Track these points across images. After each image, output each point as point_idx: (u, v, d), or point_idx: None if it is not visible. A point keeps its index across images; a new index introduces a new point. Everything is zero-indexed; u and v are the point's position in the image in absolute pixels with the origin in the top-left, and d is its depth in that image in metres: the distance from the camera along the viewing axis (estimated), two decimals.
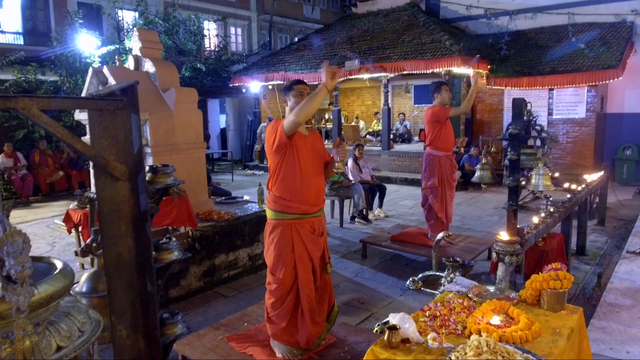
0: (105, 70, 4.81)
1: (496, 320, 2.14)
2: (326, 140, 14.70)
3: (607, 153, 11.18)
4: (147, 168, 1.50)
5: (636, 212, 7.15)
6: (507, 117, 11.28)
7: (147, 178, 1.47)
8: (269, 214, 3.05)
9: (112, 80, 4.71)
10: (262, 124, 13.92)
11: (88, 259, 4.74)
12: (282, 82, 12.11)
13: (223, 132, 17.20)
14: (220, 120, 17.45)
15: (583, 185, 5.43)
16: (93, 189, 5.14)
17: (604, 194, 6.98)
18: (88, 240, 2.82)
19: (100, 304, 2.32)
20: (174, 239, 1.51)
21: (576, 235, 5.64)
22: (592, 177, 5.94)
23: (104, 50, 11.81)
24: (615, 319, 3.89)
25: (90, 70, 4.96)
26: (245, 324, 3.52)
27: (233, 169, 13.37)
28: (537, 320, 2.16)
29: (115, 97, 1.41)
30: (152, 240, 1.35)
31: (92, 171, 4.71)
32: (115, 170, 1.37)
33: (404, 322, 2.06)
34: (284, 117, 3.04)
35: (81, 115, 5.00)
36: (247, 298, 4.45)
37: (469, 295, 2.52)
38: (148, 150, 4.61)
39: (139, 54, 5.13)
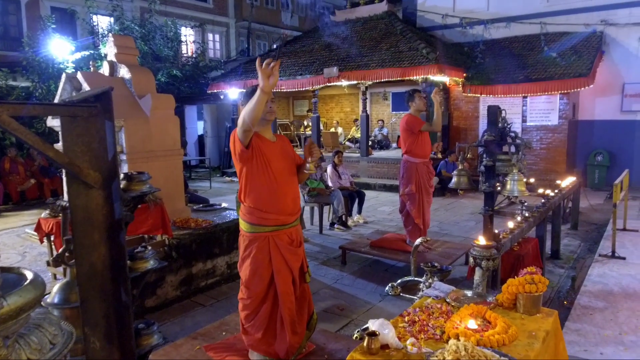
0: (79, 76, 4.72)
1: (474, 324, 2.16)
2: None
3: (579, 159, 11.50)
4: (122, 175, 1.47)
5: (607, 216, 7.35)
6: (483, 124, 11.50)
7: (121, 186, 1.44)
8: (244, 226, 2.94)
9: (86, 86, 4.63)
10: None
11: (60, 269, 4.61)
12: None
13: (201, 138, 17.05)
14: (198, 127, 17.30)
15: (556, 191, 5.56)
16: (65, 197, 5.01)
17: (576, 199, 7.17)
18: (60, 250, 2.75)
19: (73, 315, 2.26)
20: (149, 248, 1.48)
21: (550, 239, 5.76)
22: (565, 182, 6.09)
23: (78, 55, 11.60)
24: (589, 321, 3.97)
25: (64, 76, 4.85)
26: (224, 333, 3.47)
27: (211, 176, 13.25)
28: (513, 324, 2.19)
29: (89, 104, 1.38)
30: (126, 249, 1.32)
31: (64, 179, 4.61)
32: (89, 177, 1.34)
33: (383, 328, 2.07)
34: None
35: (54, 122, 4.89)
36: (226, 307, 4.40)
37: (447, 300, 2.54)
38: (123, 157, 4.53)
39: (114, 59, 5.05)
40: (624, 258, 5.54)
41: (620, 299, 4.39)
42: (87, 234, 1.37)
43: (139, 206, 2.42)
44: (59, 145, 4.01)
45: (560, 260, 5.74)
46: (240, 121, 2.68)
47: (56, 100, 5.16)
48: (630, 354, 3.40)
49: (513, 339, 2.08)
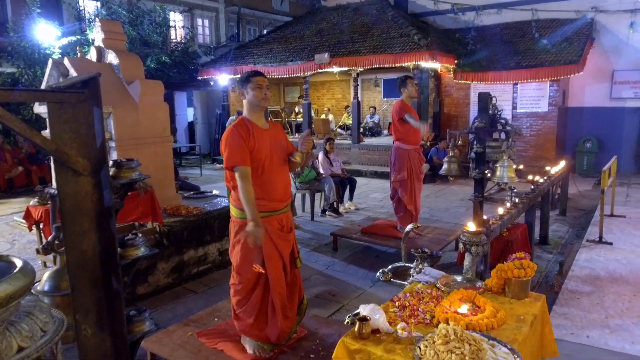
0: (66, 61, 4.64)
1: (463, 309, 2.19)
2: (296, 134, 14.66)
3: (568, 146, 11.60)
4: (110, 162, 1.46)
5: (595, 202, 7.45)
6: (474, 110, 11.54)
7: (111, 173, 1.43)
8: (234, 212, 2.95)
9: (73, 72, 4.56)
10: (231, 117, 13.76)
11: (50, 257, 4.59)
12: None
13: (191, 125, 16.91)
14: (188, 114, 17.14)
15: (545, 177, 5.61)
16: (54, 184, 4.97)
17: (565, 185, 7.24)
18: (50, 238, 2.73)
19: (64, 303, 2.25)
20: (140, 235, 1.47)
21: (539, 225, 5.83)
22: (554, 169, 6.14)
23: (65, 41, 11.38)
24: (576, 305, 4.05)
25: (50, 61, 4.77)
26: (216, 319, 3.49)
27: (201, 163, 13.18)
28: (502, 308, 2.22)
29: (77, 90, 1.36)
30: (117, 237, 1.32)
31: (52, 166, 4.55)
32: (77, 165, 1.33)
33: (374, 313, 2.09)
34: (239, 113, 2.98)
35: (41, 109, 4.82)
36: (218, 293, 4.41)
37: (437, 285, 2.57)
38: (112, 144, 4.48)
39: (101, 45, 4.97)
40: (611, 243, 5.63)
41: (606, 284, 4.47)
42: (77, 222, 1.36)
43: (129, 193, 2.41)
44: (46, 132, 3.95)
45: (549, 246, 5.82)
46: (240, 194, 2.75)
47: (43, 87, 5.08)
48: (615, 337, 3.48)
49: (501, 323, 2.12)
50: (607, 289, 4.35)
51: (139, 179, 1.43)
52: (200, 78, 14.12)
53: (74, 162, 1.34)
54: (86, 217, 1.36)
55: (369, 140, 12.91)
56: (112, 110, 4.43)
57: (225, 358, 2.95)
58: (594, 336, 3.51)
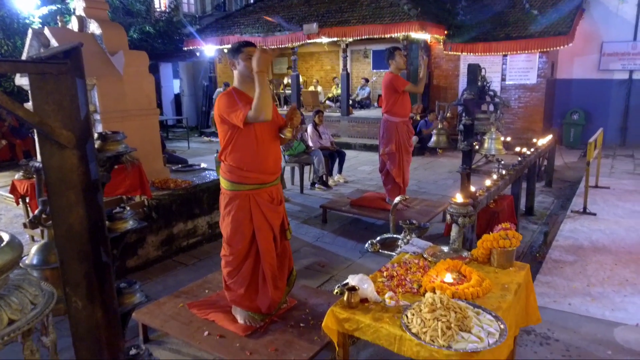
0: (47, 31, 4.50)
1: (449, 278, 2.24)
2: (285, 107, 14.53)
3: (556, 118, 11.67)
4: (96, 135, 1.44)
5: (581, 174, 7.56)
6: (463, 82, 11.50)
7: (96, 146, 1.41)
8: (224, 184, 2.96)
9: (54, 43, 4.43)
10: (218, 89, 13.56)
11: (38, 230, 4.56)
12: None
13: (177, 97, 16.63)
14: (174, 86, 16.83)
15: (532, 149, 5.66)
16: (39, 158, 4.90)
17: (551, 157, 7.32)
18: (36, 212, 2.71)
19: (53, 276, 2.26)
20: (128, 208, 1.47)
21: (525, 196, 5.91)
22: (541, 141, 6.19)
23: (45, 10, 11.00)
24: (559, 274, 4.16)
25: (30, 31, 4.62)
26: (207, 291, 3.53)
27: (189, 136, 13.02)
28: (487, 277, 2.27)
29: (58, 60, 1.32)
30: (104, 210, 1.31)
31: (37, 139, 4.48)
32: (61, 137, 1.31)
33: (362, 283, 2.13)
34: (227, 85, 2.95)
35: (22, 80, 4.70)
36: (208, 265, 4.44)
37: (424, 256, 2.62)
38: (97, 117, 4.41)
39: (83, 14, 4.82)
40: (594, 214, 5.75)
41: (589, 253, 4.58)
42: (63, 195, 1.34)
43: (116, 167, 2.38)
44: (29, 105, 3.87)
45: (534, 217, 5.92)
46: (256, 112, 2.66)
47: (23, 57, 4.93)
48: (596, 305, 3.59)
49: (487, 291, 2.17)
50: (589, 258, 4.46)
51: (125, 151, 1.42)
52: (185, 49, 13.82)
53: (58, 135, 1.31)
54: (73, 190, 1.34)
55: (358, 113, 12.85)
56: (96, 82, 4.33)
57: (216, 328, 3.00)
58: (576, 304, 3.62)
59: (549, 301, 3.65)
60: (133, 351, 1.45)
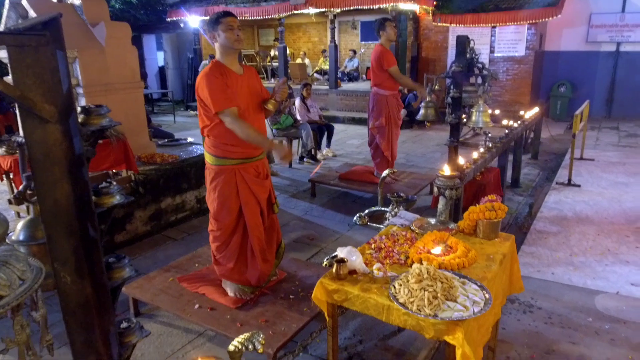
0: (25, 2, 4.34)
1: (436, 249, 2.28)
2: (272, 79, 14.34)
3: (543, 90, 11.70)
4: (79, 109, 1.41)
5: (566, 146, 7.65)
6: (451, 54, 11.41)
7: (79, 120, 1.39)
8: (209, 159, 2.92)
9: (32, 13, 4.28)
10: (204, 62, 13.30)
11: (23, 206, 4.51)
12: None
13: (162, 70, 16.29)
14: (158, 58, 16.47)
15: (519, 122, 5.69)
16: (21, 133, 4.81)
17: (538, 129, 7.38)
18: (21, 187, 2.67)
19: (41, 252, 2.25)
20: (114, 183, 1.45)
21: (511, 168, 5.98)
22: (528, 113, 6.22)
23: None
24: (543, 244, 4.25)
25: (7, 2, 4.46)
26: (196, 265, 3.55)
27: (174, 109, 12.83)
28: (473, 248, 2.31)
29: (37, 32, 1.28)
30: (90, 185, 1.30)
31: (18, 114, 4.37)
32: (44, 111, 1.28)
33: (351, 255, 2.15)
34: (212, 57, 2.90)
35: (1, 53, 4.56)
36: (197, 240, 4.46)
37: (412, 228, 2.65)
38: (80, 90, 4.31)
39: None
40: (579, 185, 5.85)
41: (573, 224, 4.68)
42: (48, 170, 1.32)
43: (100, 141, 2.34)
44: (9, 79, 3.77)
45: (520, 189, 6.01)
46: (238, 130, 2.74)
47: (0, 29, 4.77)
48: (578, 274, 3.69)
49: (472, 262, 2.21)
50: (573, 229, 4.56)
51: (110, 125, 1.39)
52: (169, 20, 13.47)
53: (40, 109, 1.28)
54: (57, 165, 1.32)
55: (346, 86, 12.74)
56: (77, 55, 4.22)
57: (207, 301, 3.03)
58: (559, 273, 3.72)
59: (533, 271, 3.74)
60: (124, 324, 1.46)
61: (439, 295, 1.84)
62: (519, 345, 2.81)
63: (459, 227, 2.61)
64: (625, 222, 4.68)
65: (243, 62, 2.99)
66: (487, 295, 1.92)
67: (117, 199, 1.44)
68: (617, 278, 3.61)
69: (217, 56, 2.86)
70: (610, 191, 5.65)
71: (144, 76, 12.89)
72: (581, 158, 7.05)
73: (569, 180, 5.91)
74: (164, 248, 4.36)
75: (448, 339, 1.78)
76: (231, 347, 1.35)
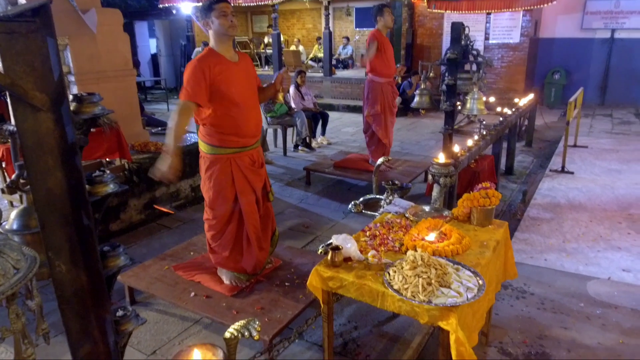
0: None
1: (430, 236, 2.29)
2: (266, 67, 14.25)
3: (538, 77, 11.69)
4: (71, 97, 1.40)
5: (560, 134, 7.67)
6: (446, 41, 11.37)
7: (72, 108, 1.37)
8: (203, 147, 2.89)
9: (22, 0, 4.21)
10: (197, 49, 13.17)
11: (16, 196, 4.48)
12: None
13: (154, 58, 16.12)
14: (151, 45, 16.28)
15: (514, 109, 5.70)
16: (12, 121, 4.75)
17: (532, 117, 7.39)
18: (13, 176, 2.65)
19: (35, 241, 2.24)
20: (108, 172, 1.45)
21: (505, 156, 6.00)
22: (523, 101, 6.23)
23: None
24: (536, 231, 4.28)
25: None
26: (192, 253, 3.55)
27: (168, 97, 12.74)
28: (467, 235, 2.33)
29: (27, 19, 1.26)
30: (84, 173, 1.29)
31: (9, 102, 4.32)
32: (35, 99, 1.26)
33: (346, 243, 2.16)
34: (206, 44, 2.88)
35: None
36: (192, 228, 4.45)
37: (406, 215, 2.66)
38: (72, 78, 4.27)
39: None
40: (572, 173, 5.88)
41: (566, 211, 4.71)
42: (40, 159, 1.31)
43: (93, 130, 2.32)
44: None
45: (514, 176, 6.03)
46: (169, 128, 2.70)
47: None
48: (571, 260, 3.73)
49: (466, 248, 2.23)
50: (566, 215, 4.60)
51: (102, 113, 1.38)
52: (161, 6, 13.28)
53: (32, 97, 1.27)
54: (50, 154, 1.31)
55: (341, 73, 12.68)
56: (68, 42, 4.17)
57: (202, 289, 3.04)
58: (551, 259, 3.75)
59: (526, 257, 3.78)
60: (120, 313, 1.47)
61: (433, 281, 1.85)
62: (511, 331, 2.85)
63: (453, 215, 2.62)
64: (618, 209, 4.72)
65: (237, 49, 2.95)
66: (480, 282, 1.94)
67: (111, 187, 1.44)
68: (609, 264, 3.66)
69: (211, 43, 2.83)
70: (603, 178, 5.69)
71: (136, 64, 12.75)
72: (575, 145, 7.08)
73: (563, 167, 5.95)
74: (158, 236, 4.36)
75: (442, 324, 1.80)
76: (227, 334, 1.36)
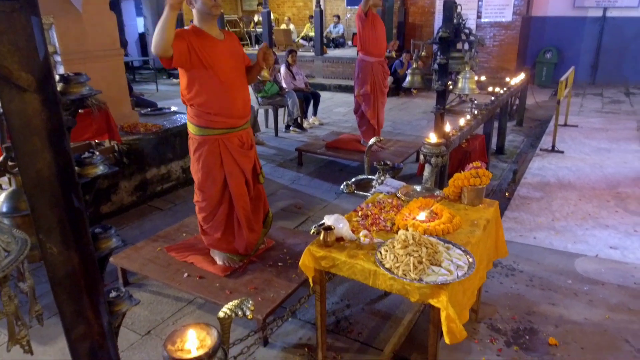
0: None
1: (422, 216, 2.31)
2: (256, 46, 14.05)
3: (529, 56, 11.66)
4: (57, 78, 1.37)
5: (551, 113, 7.70)
6: (438, 20, 11.27)
7: (59, 88, 1.35)
8: (192, 129, 2.85)
9: None
10: (186, 27, 12.93)
11: (5, 178, 4.43)
12: None
13: (142, 37, 15.81)
14: (138, 24, 15.94)
15: (505, 89, 5.69)
16: None
17: (523, 96, 7.40)
18: (1, 159, 2.62)
19: (25, 223, 2.22)
20: (97, 153, 1.43)
21: (496, 135, 6.02)
22: (514, 80, 6.22)
23: None
24: (526, 209, 4.33)
25: None
26: (184, 235, 3.55)
27: (157, 78, 12.54)
28: (458, 214, 2.35)
29: None
30: (73, 155, 1.27)
31: None
32: (21, 80, 1.24)
33: (338, 223, 2.17)
34: (192, 22, 2.82)
35: None
36: (184, 210, 4.45)
37: (398, 195, 2.67)
38: (58, 58, 4.19)
39: None
40: (562, 152, 5.93)
41: (555, 189, 4.76)
42: (28, 141, 1.30)
43: (81, 111, 2.29)
44: None
45: (504, 155, 6.07)
46: (152, 47, 2.49)
47: None
48: (559, 238, 3.79)
49: (457, 227, 2.25)
50: (555, 194, 4.65)
51: (90, 94, 1.36)
52: None
53: (17, 77, 1.24)
54: (37, 135, 1.29)
55: (332, 52, 12.55)
56: (53, 21, 4.07)
57: (195, 270, 3.05)
58: (541, 237, 3.81)
59: (516, 235, 3.83)
60: (113, 294, 1.47)
61: (423, 260, 1.88)
62: (501, 307, 2.90)
63: (444, 194, 2.64)
64: (606, 187, 4.78)
65: (226, 28, 2.89)
66: (470, 260, 1.96)
67: (100, 169, 1.42)
68: (597, 241, 3.72)
69: (195, 22, 2.77)
70: (593, 157, 5.74)
71: (124, 43, 12.48)
72: (565, 124, 7.12)
73: (553, 146, 5.99)
74: (150, 218, 4.35)
75: (433, 302, 1.83)
76: (221, 314, 1.37)
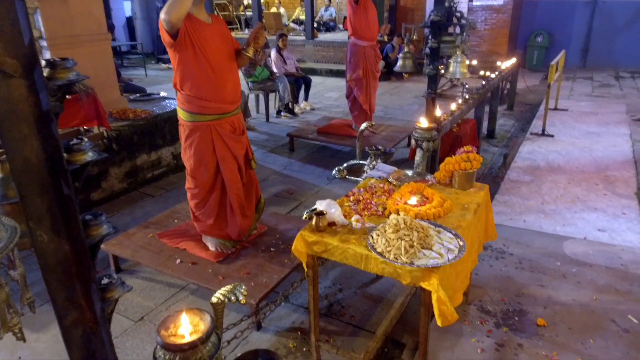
0: None
1: (413, 200, 2.32)
2: (246, 30, 13.88)
3: (521, 40, 11.65)
4: (43, 63, 1.35)
5: (542, 97, 7.72)
6: (430, 3, 11.18)
7: (45, 74, 1.32)
8: (182, 115, 2.83)
9: None
10: None
11: None
12: None
13: (129, 21, 15.53)
14: (125, 8, 15.65)
15: (496, 73, 5.69)
16: None
17: (514, 80, 7.41)
18: None
19: (14, 211, 2.20)
20: (86, 140, 1.41)
21: (487, 120, 6.04)
22: (505, 64, 6.22)
23: None
24: (516, 193, 4.37)
25: None
26: (176, 221, 3.55)
27: (145, 62, 12.38)
28: (448, 199, 2.37)
29: None
30: (61, 142, 1.26)
31: None
32: (6, 65, 1.21)
33: (330, 208, 2.18)
34: None
35: None
36: (175, 196, 4.43)
37: (389, 180, 2.68)
38: (44, 43, 4.11)
39: None
40: (552, 136, 5.97)
41: (545, 173, 4.81)
42: (15, 128, 1.28)
43: (68, 97, 2.26)
44: None
45: (495, 140, 6.10)
46: (164, 11, 2.41)
47: None
48: (549, 221, 3.83)
49: (448, 211, 2.27)
50: (545, 178, 4.69)
51: (77, 79, 1.33)
52: None
53: (2, 63, 1.22)
54: (24, 122, 1.27)
55: (323, 36, 12.44)
56: (38, 5, 3.98)
57: (188, 256, 3.05)
58: (530, 220, 3.85)
59: (506, 219, 3.87)
60: (105, 280, 1.47)
61: (415, 244, 1.89)
62: (491, 290, 2.95)
63: (435, 179, 2.65)
64: (595, 171, 4.83)
65: (215, 12, 2.84)
66: (461, 243, 1.98)
67: (89, 155, 1.40)
68: (585, 224, 3.77)
69: None
70: (582, 141, 5.79)
71: (111, 27, 12.25)
72: (555, 108, 7.15)
73: (543, 130, 6.02)
74: (141, 205, 4.33)
75: (424, 285, 1.85)
76: (214, 299, 1.38)
